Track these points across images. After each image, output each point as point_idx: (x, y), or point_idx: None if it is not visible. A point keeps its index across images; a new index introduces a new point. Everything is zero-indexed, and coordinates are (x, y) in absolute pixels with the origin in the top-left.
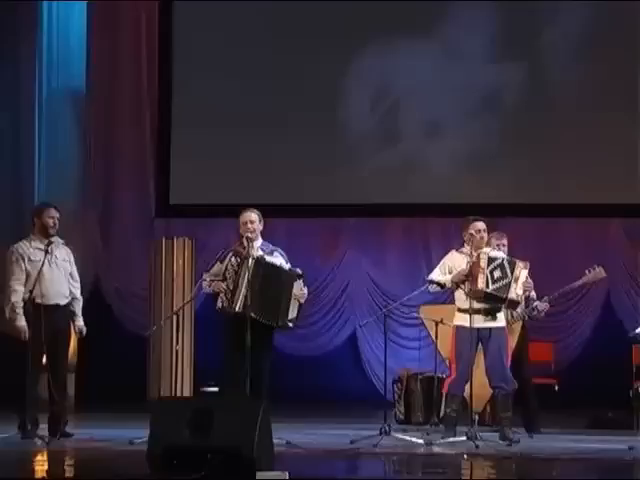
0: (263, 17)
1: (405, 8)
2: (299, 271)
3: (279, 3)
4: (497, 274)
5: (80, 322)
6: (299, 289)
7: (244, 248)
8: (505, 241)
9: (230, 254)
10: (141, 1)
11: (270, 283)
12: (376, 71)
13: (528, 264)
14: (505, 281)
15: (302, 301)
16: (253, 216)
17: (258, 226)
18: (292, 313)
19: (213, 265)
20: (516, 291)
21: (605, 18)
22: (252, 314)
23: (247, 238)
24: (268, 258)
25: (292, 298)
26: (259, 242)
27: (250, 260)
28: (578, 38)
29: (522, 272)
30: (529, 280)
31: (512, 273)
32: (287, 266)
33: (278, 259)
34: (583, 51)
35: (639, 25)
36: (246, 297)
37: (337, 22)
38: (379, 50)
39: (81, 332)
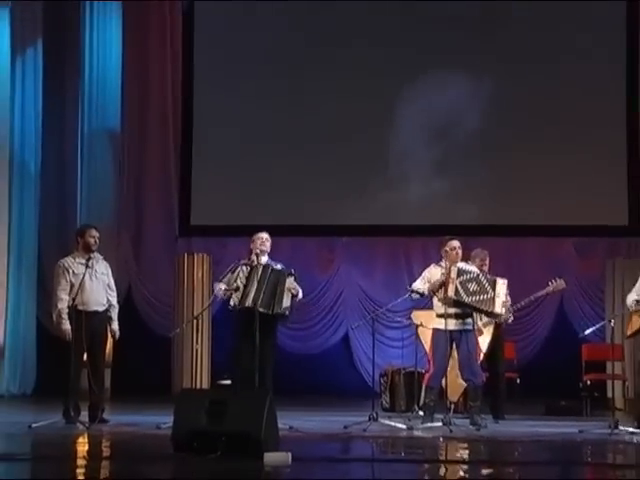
0: (302, 45)
1: (458, 44)
2: (292, 270)
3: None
4: (473, 287)
5: (115, 326)
6: (291, 283)
7: (252, 260)
8: (487, 260)
9: (240, 266)
10: (168, 58)
11: (270, 282)
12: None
13: (506, 281)
14: (487, 296)
15: (294, 293)
16: (266, 236)
17: (268, 245)
18: (286, 302)
19: (225, 275)
20: (500, 305)
21: (589, 37)
22: (261, 309)
23: (257, 253)
24: (272, 264)
25: (285, 290)
26: (266, 258)
27: (259, 267)
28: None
29: (502, 288)
30: (508, 297)
31: (494, 289)
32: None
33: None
34: (558, 88)
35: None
36: (254, 295)
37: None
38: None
39: (115, 335)
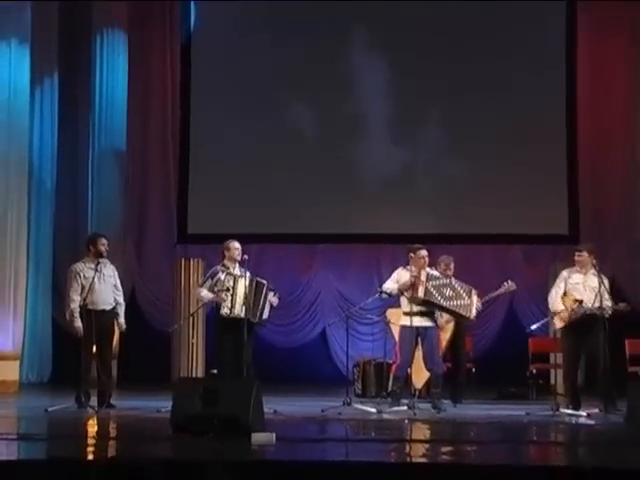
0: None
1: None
2: (269, 284)
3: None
4: (449, 292)
5: (122, 320)
6: (272, 297)
7: (228, 267)
8: (452, 265)
9: (219, 272)
10: (167, 82)
11: (257, 295)
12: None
13: (475, 292)
14: (464, 302)
15: (274, 305)
16: (237, 245)
17: (240, 252)
18: (265, 314)
19: (205, 281)
20: (473, 312)
21: (530, 60)
22: (250, 318)
23: (240, 261)
24: (257, 278)
25: (267, 303)
26: (237, 266)
27: (246, 279)
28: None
29: (475, 297)
30: (480, 304)
31: (470, 297)
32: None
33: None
34: (507, 109)
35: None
36: (244, 306)
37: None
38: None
39: (122, 328)
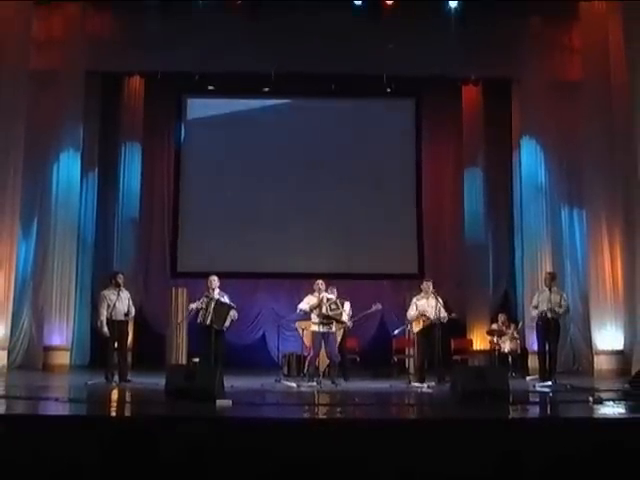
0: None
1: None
2: (233, 305)
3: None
4: (333, 307)
5: (133, 313)
6: (233, 313)
7: (208, 294)
8: (336, 292)
9: (202, 297)
10: (165, 173)
11: (220, 310)
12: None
13: (348, 303)
14: (339, 311)
15: (234, 319)
16: (216, 278)
17: (217, 283)
18: (227, 323)
19: (195, 301)
20: (345, 316)
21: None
22: (214, 326)
23: (212, 289)
24: (222, 300)
25: (228, 316)
26: (217, 290)
27: (213, 301)
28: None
29: (347, 306)
30: (351, 312)
31: (342, 307)
32: (228, 301)
33: (225, 298)
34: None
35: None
36: (211, 317)
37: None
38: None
39: (131, 313)
